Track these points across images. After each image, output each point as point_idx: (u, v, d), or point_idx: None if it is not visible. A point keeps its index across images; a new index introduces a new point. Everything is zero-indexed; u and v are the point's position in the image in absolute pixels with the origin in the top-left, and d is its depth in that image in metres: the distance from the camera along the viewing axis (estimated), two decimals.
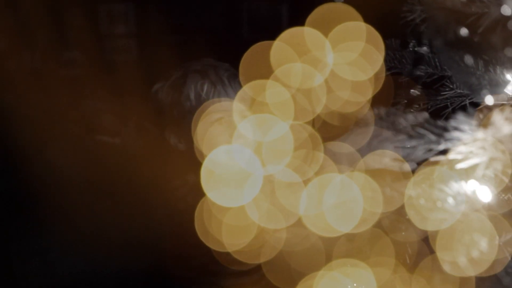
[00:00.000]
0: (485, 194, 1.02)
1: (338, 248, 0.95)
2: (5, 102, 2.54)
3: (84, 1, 3.21)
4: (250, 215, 1.01)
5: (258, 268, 1.60)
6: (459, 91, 1.48)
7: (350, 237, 0.94)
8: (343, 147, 1.27)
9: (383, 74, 1.29)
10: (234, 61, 1.75)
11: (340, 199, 0.95)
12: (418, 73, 1.48)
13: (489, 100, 1.01)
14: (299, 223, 0.97)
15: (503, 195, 1.09)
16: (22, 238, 2.68)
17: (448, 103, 1.58)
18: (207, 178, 1.07)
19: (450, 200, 1.05)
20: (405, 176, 1.07)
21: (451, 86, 1.49)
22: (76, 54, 3.26)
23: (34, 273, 2.65)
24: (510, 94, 1.11)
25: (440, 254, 0.98)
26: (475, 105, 1.32)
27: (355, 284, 1.10)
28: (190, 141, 1.74)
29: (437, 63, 1.48)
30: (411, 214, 1.00)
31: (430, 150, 1.02)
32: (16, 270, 2.66)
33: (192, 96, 1.74)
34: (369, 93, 1.16)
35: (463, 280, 0.96)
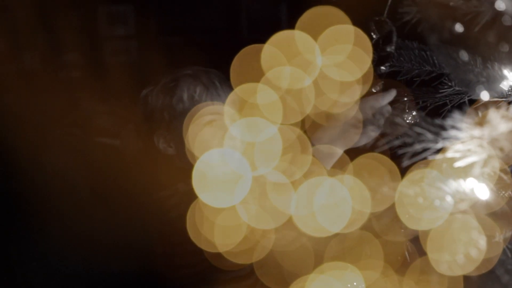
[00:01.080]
0: (483, 191, 1.02)
1: (329, 249, 0.94)
2: (2, 104, 2.54)
3: (77, 3, 3.21)
4: (240, 215, 1.00)
5: (251, 273, 1.61)
6: (457, 88, 1.48)
7: (341, 239, 0.94)
8: (332, 148, 1.27)
9: (371, 75, 1.29)
10: (228, 63, 1.75)
11: (330, 201, 0.95)
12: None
13: (484, 95, 1.00)
14: (289, 223, 0.97)
15: (503, 192, 1.08)
16: (19, 240, 2.69)
17: (447, 101, 1.58)
18: (198, 180, 1.07)
19: (448, 199, 1.04)
20: (402, 174, 1.06)
21: (449, 84, 1.49)
22: (67, 56, 3.26)
23: (30, 275, 2.66)
24: (507, 90, 1.10)
25: (434, 254, 0.98)
26: (474, 102, 1.31)
27: (355, 283, 1.09)
28: (180, 145, 1.74)
29: (435, 61, 1.48)
30: (404, 214, 0.99)
31: (428, 148, 1.02)
32: (12, 271, 2.66)
33: (185, 97, 1.74)
34: (357, 93, 1.16)
35: (457, 280, 0.95)
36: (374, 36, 1.45)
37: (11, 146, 2.41)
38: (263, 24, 3.98)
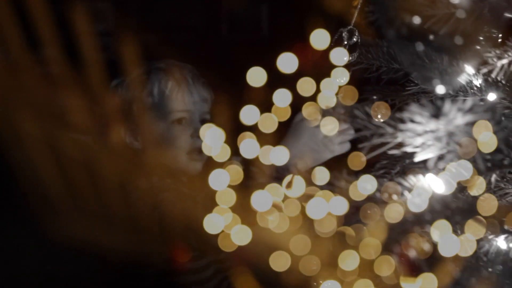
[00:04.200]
0: (441, 187, 1.01)
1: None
2: None
3: None
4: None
5: (214, 275, 1.59)
6: (423, 86, 1.47)
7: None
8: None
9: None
10: (209, 61, 1.73)
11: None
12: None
13: (440, 89, 0.99)
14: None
15: (466, 192, 1.07)
16: None
17: (415, 99, 1.57)
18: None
19: (407, 194, 1.04)
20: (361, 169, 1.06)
21: (416, 82, 1.48)
22: (41, 51, 3.23)
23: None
24: (464, 84, 1.10)
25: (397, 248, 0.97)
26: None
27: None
28: (146, 140, 1.71)
29: (402, 59, 1.47)
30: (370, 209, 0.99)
31: (387, 142, 1.01)
32: None
33: (155, 92, 1.71)
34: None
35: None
36: (345, 43, 1.48)
37: None
38: (243, 23, 3.97)
